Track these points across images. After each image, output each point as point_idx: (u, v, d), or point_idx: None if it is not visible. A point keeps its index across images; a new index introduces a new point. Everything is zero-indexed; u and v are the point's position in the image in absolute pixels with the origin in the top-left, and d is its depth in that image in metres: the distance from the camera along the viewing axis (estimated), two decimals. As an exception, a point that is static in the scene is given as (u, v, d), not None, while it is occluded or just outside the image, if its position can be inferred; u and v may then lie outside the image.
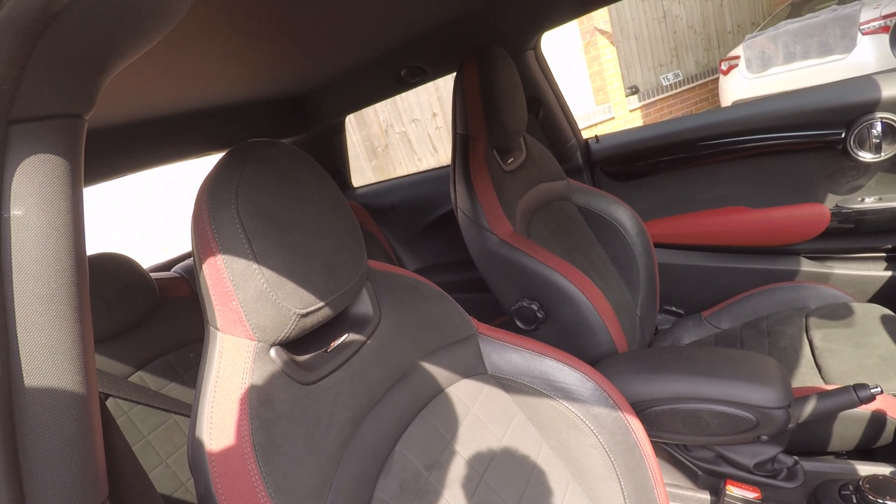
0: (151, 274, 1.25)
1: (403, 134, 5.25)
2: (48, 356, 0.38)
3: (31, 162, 0.38)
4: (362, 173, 5.35)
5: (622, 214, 1.36)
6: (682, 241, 1.55)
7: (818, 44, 3.90)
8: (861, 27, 3.64)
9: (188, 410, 1.20)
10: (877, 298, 1.32)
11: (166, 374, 1.20)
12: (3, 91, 0.36)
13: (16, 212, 0.38)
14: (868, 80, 1.20)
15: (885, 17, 3.54)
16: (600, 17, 5.04)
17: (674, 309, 1.62)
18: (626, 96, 5.40)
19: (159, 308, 1.24)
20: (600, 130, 5.14)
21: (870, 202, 1.27)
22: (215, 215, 0.55)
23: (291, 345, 0.63)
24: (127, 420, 1.14)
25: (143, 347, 1.18)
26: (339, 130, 1.96)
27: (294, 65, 1.23)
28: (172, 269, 1.44)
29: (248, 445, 0.52)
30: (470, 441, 0.74)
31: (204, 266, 0.56)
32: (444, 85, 4.95)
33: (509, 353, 0.83)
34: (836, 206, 1.32)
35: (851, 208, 1.30)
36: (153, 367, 1.19)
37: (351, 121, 5.12)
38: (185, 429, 1.20)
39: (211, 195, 0.56)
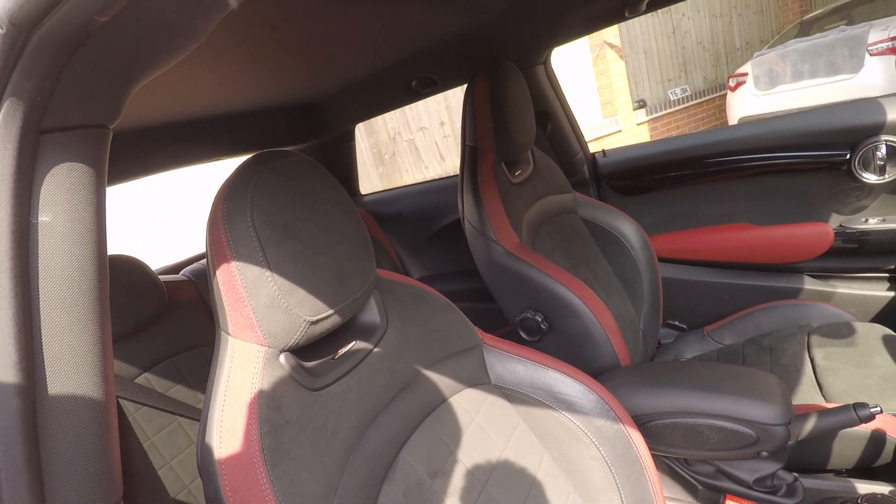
0: (160, 277, 1.27)
1: (411, 142, 5.28)
2: (70, 358, 0.40)
3: (59, 170, 0.40)
4: (369, 180, 5.39)
5: (627, 228, 1.37)
6: (687, 256, 1.56)
7: (826, 63, 3.91)
8: (869, 48, 3.65)
9: (193, 413, 1.21)
10: (879, 318, 1.32)
11: (172, 377, 1.22)
12: (37, 103, 0.38)
13: (44, 218, 0.40)
14: (873, 103, 1.21)
15: (893, 38, 3.55)
16: (609, 31, 5.06)
17: (677, 323, 1.62)
18: (634, 110, 5.42)
19: (167, 311, 1.26)
20: (607, 143, 5.15)
21: (873, 223, 1.28)
22: (230, 223, 0.57)
23: (300, 351, 0.64)
24: (132, 421, 1.15)
25: (150, 350, 1.20)
26: (349, 138, 1.99)
27: (307, 74, 1.25)
28: (181, 273, 1.46)
29: (256, 450, 0.54)
30: (473, 450, 0.75)
31: (218, 272, 0.58)
32: (453, 94, 4.99)
33: (513, 364, 0.84)
34: (840, 225, 1.33)
35: (855, 228, 1.30)
36: (159, 370, 1.20)
37: (360, 128, 5.16)
38: (190, 431, 1.21)
39: (227, 203, 0.57)
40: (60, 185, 0.40)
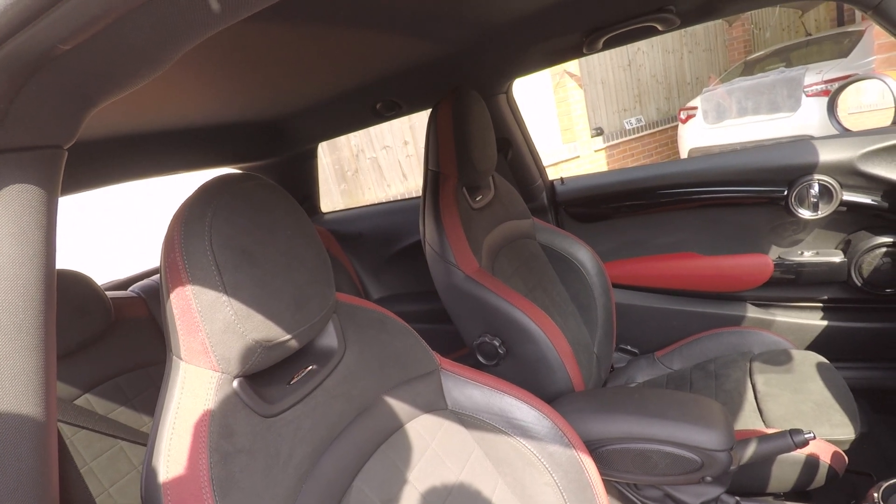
0: (107, 293, 1.22)
1: (374, 160, 5.28)
2: (11, 386, 0.38)
3: (8, 192, 0.39)
4: (331, 196, 5.34)
5: (583, 255, 1.41)
6: (639, 282, 1.62)
7: (768, 101, 4.19)
8: (805, 89, 3.93)
9: (136, 437, 1.16)
10: (814, 346, 1.41)
11: (116, 398, 1.16)
12: None
13: None
14: (808, 144, 1.31)
15: (826, 81, 3.84)
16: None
17: (629, 348, 1.67)
18: (592, 137, 5.62)
19: (114, 328, 1.20)
20: (566, 168, 5.30)
21: (808, 256, 1.37)
22: (188, 246, 0.55)
23: (254, 376, 0.63)
24: (69, 445, 1.09)
25: (93, 369, 1.14)
26: (312, 156, 1.98)
27: (271, 92, 1.24)
28: (130, 289, 1.40)
29: (205, 479, 0.52)
30: (428, 476, 0.75)
31: (172, 295, 0.56)
32: (417, 115, 5.03)
33: (470, 389, 0.85)
34: (779, 257, 1.42)
35: (792, 260, 1.39)
36: (102, 391, 1.15)
37: (323, 144, 5.12)
38: (132, 456, 1.16)
39: (184, 226, 0.56)
40: (8, 207, 0.39)
